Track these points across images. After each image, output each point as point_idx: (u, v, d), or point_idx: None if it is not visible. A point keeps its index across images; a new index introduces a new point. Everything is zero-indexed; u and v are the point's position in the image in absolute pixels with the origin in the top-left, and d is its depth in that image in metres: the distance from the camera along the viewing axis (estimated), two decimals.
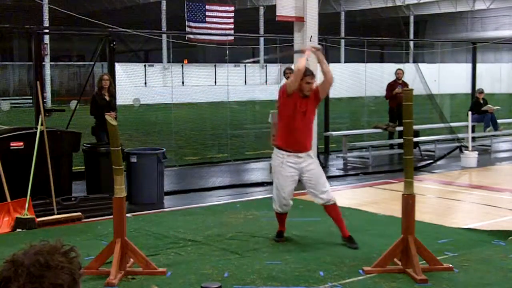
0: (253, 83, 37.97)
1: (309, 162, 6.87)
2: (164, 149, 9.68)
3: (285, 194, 6.90)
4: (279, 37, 20.63)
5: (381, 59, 46.38)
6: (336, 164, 13.36)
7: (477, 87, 17.11)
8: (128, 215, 7.02)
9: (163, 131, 19.15)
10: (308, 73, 6.78)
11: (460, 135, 14.61)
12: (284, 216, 7.16)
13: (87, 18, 14.81)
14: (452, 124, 15.29)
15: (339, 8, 44.50)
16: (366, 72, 22.52)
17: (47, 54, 29.55)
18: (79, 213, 8.25)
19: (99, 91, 10.43)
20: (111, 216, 6.20)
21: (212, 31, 22.91)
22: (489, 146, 15.49)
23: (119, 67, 17.56)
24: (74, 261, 1.68)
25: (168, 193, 9.93)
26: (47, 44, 29.34)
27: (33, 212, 7.89)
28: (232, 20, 23.07)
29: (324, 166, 12.77)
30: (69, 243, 1.73)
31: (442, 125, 14.99)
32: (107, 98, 10.39)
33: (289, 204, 7.01)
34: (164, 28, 35.87)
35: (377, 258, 5.95)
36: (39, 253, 1.65)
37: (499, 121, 16.53)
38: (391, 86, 14.96)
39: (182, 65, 36.93)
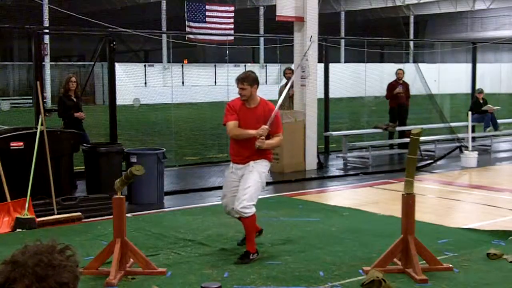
0: None
1: (247, 170, 6.44)
2: (164, 149, 9.67)
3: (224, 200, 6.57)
4: (279, 37, 20.63)
5: (381, 59, 46.37)
6: (336, 164, 13.35)
7: (477, 87, 17.11)
8: (128, 215, 7.02)
9: (163, 131, 19.14)
10: (239, 78, 6.38)
11: (460, 135, 14.60)
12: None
13: (87, 18, 14.82)
14: (452, 124, 15.28)
15: (339, 8, 44.49)
16: (366, 72, 22.55)
17: (47, 54, 29.54)
18: (79, 213, 8.25)
19: (66, 93, 10.62)
20: (111, 216, 6.19)
21: (212, 31, 22.90)
22: (489, 146, 15.48)
23: (119, 67, 17.59)
24: (72, 259, 1.70)
25: (168, 193, 9.92)
26: (47, 44, 29.32)
27: (33, 212, 7.88)
28: (232, 20, 23.07)
29: (324, 166, 12.78)
30: (67, 243, 1.74)
31: (442, 125, 14.99)
32: (74, 99, 10.64)
33: (229, 211, 6.55)
34: (164, 28, 35.85)
35: (377, 258, 5.95)
36: (40, 253, 1.65)
37: (499, 121, 16.52)
38: (391, 86, 14.99)
39: (182, 65, 36.92)
